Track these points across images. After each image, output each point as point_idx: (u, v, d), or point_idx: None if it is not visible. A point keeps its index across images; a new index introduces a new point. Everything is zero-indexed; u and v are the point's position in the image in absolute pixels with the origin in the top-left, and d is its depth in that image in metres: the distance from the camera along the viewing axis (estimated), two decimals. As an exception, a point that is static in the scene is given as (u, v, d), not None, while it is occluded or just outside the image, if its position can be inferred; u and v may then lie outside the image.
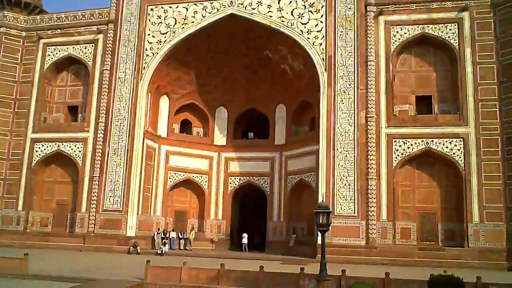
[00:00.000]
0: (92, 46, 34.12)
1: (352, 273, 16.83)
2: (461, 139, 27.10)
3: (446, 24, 28.45)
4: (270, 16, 30.76)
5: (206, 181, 36.04)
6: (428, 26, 28.66)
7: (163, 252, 29.64)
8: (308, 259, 26.27)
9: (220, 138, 37.26)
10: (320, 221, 14.59)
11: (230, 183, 36.24)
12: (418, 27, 28.82)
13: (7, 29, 35.51)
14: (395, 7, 29.20)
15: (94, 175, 31.68)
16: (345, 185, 27.55)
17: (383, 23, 29.25)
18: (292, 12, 30.47)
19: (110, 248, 30.14)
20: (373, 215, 26.95)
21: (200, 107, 37.19)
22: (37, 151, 33.93)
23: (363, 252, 26.55)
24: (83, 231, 31.33)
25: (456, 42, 28.12)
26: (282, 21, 30.53)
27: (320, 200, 25.12)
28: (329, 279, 14.67)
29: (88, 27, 34.48)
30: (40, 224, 33.72)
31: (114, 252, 29.80)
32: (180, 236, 33.81)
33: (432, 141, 27.48)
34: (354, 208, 27.17)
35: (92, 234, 30.97)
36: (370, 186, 27.24)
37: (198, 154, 36.03)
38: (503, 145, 26.51)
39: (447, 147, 27.24)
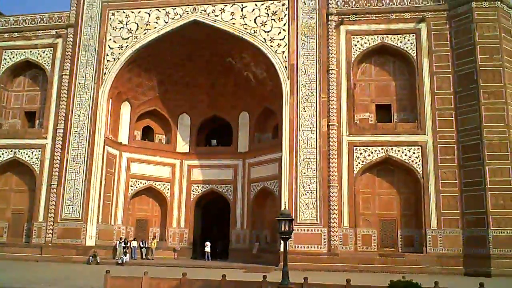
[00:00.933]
0: (50, 50, 33.26)
1: (314, 281, 16.90)
2: (419, 147, 27.82)
3: (405, 35, 29.24)
4: (233, 24, 30.83)
5: (168, 189, 35.60)
6: (387, 36, 29.38)
7: (124, 261, 29.04)
8: (271, 267, 26.29)
9: (183, 145, 36.93)
10: (283, 229, 14.64)
11: (193, 191, 35.92)
12: (378, 37, 29.49)
13: (-39, 31, 34.23)
14: (356, 17, 29.80)
15: (52, 183, 30.77)
16: (307, 192, 27.77)
17: (344, 33, 29.78)
18: (255, 20, 30.63)
19: (69, 259, 29.31)
20: (334, 222, 27.25)
21: (162, 114, 36.78)
22: (-9, 158, 32.72)
23: (325, 259, 26.79)
24: (41, 241, 30.33)
25: (414, 52, 28.91)
26: (245, 28, 30.65)
27: (282, 207, 25.24)
28: (291, 287, 14.70)
29: (46, 30, 33.59)
30: (-5, 234, 32.48)
31: (73, 262, 28.96)
32: (142, 245, 33.21)
33: (392, 148, 28.09)
34: (317, 215, 27.40)
35: (50, 244, 30.03)
36: (332, 193, 27.56)
37: (160, 162, 35.58)
38: (459, 153, 27.36)
39: (406, 155, 27.89)
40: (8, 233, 32.55)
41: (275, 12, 30.48)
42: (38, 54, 33.52)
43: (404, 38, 29.17)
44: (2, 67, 33.95)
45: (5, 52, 34.12)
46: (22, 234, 32.07)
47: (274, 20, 30.41)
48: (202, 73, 35.24)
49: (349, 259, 26.73)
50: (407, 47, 29.06)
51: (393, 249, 27.99)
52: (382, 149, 28.18)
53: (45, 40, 33.54)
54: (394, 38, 29.30)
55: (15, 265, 26.69)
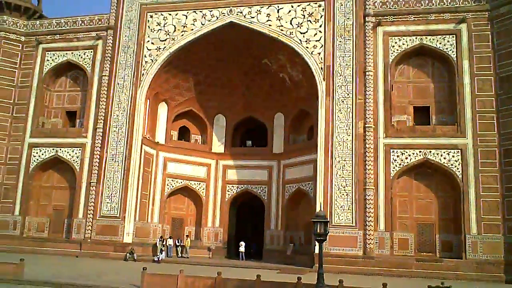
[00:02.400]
0: (91, 52, 34.15)
1: (349, 284, 16.78)
2: (459, 150, 27.16)
3: (444, 36, 28.60)
4: (269, 25, 30.89)
5: (203, 189, 36.00)
6: (426, 38, 28.80)
7: (160, 259, 29.53)
8: (305, 269, 26.20)
9: (218, 145, 37.27)
10: (318, 231, 14.58)
11: (228, 191, 36.19)
12: (416, 38, 28.95)
13: (6, 33, 35.51)
14: (393, 18, 29.37)
15: (91, 181, 31.60)
16: (342, 194, 27.55)
17: (381, 34, 29.38)
18: (291, 21, 30.61)
19: (106, 255, 30.03)
20: (370, 225, 26.93)
21: (198, 115, 37.23)
22: (34, 156, 33.85)
23: (361, 262, 26.51)
24: (80, 237, 31.20)
25: (454, 54, 28.24)
26: (281, 30, 30.66)
27: (317, 209, 25.13)
28: (326, 289, 14.63)
29: (87, 33, 34.52)
30: (37, 230, 33.56)
31: (111, 258, 29.67)
32: (177, 244, 33.71)
33: (430, 151, 27.53)
34: (352, 218, 27.14)
35: (89, 240, 30.84)
36: (368, 196, 27.24)
37: (196, 162, 36.02)
38: (500, 156, 26.55)
39: (445, 158, 27.29)
40: (49, 228, 33.64)
41: (311, 13, 30.38)
42: (79, 55, 34.47)
43: (444, 39, 28.55)
44: (45, 68, 35.07)
45: (48, 53, 35.25)
46: (62, 230, 33.07)
47: (310, 22, 30.31)
48: (238, 75, 35.48)
49: (385, 263, 26.36)
50: (446, 48, 28.43)
51: (430, 254, 27.40)
52: (420, 152, 27.65)
53: (86, 42, 34.46)
54: (433, 39, 28.70)
55: (56, 260, 27.55)
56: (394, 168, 27.78)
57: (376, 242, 26.90)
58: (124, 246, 30.31)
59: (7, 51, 35.38)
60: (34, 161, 33.79)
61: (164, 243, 32.31)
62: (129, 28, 33.30)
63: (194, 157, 36.06)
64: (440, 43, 28.57)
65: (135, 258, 29.34)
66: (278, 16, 30.85)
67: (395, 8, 29.41)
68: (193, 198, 36.32)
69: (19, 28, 35.98)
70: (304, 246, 31.45)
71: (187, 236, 34.69)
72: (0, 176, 33.95)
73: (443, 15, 28.69)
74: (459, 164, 27.02)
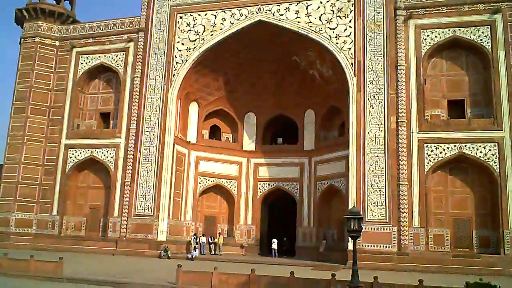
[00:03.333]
0: (123, 54, 34.80)
1: (384, 280, 16.60)
2: (496, 144, 26.46)
3: (478, 27, 27.90)
4: (298, 22, 30.78)
5: (235, 187, 36.21)
6: (459, 29, 28.17)
7: (193, 256, 29.87)
8: (338, 265, 26.03)
9: (249, 143, 37.41)
10: (352, 227, 14.44)
11: (260, 189, 36.30)
12: (449, 30, 28.35)
13: (42, 38, 36.59)
14: (425, 11, 28.82)
15: (125, 180, 32.23)
16: (375, 190, 27.25)
17: (413, 27, 28.88)
18: (320, 17, 30.42)
19: (141, 253, 30.59)
20: (405, 221, 26.56)
21: (229, 113, 37.46)
22: (70, 157, 34.75)
23: (395, 258, 26.17)
24: (116, 236, 31.87)
25: (489, 45, 27.53)
26: (310, 26, 30.51)
27: (350, 205, 24.94)
28: (361, 286, 14.50)
29: (119, 35, 35.19)
30: (74, 228, 34.46)
31: (146, 256, 30.21)
32: (210, 241, 34.03)
33: (465, 145, 26.93)
34: (386, 214, 26.83)
35: (124, 239, 31.48)
36: (402, 191, 26.87)
37: (227, 160, 36.26)
38: (539, 149, 25.78)
39: (481, 152, 26.65)
40: (86, 227, 34.50)
41: (341, 8, 30.12)
42: (112, 58, 35.17)
43: (478, 31, 27.84)
44: (79, 71, 35.96)
45: (81, 57, 36.11)
46: (98, 229, 33.88)
47: (340, 17, 30.05)
48: (268, 72, 35.51)
49: (420, 259, 25.94)
50: (481, 40, 27.72)
51: (467, 249, 26.83)
52: (455, 146, 27.09)
53: (118, 44, 35.14)
54: (466, 30, 28.04)
55: (93, 258, 28.22)
56: (428, 163, 27.29)
57: (411, 238, 26.51)
58: (158, 244, 30.79)
59: (43, 56, 36.43)
60: (70, 162, 34.69)
61: (198, 240, 32.65)
62: (160, 29, 33.75)
63: (225, 155, 36.30)
64: (474, 35, 27.89)
65: (169, 255, 29.76)
66: (307, 13, 30.71)
67: (426, 0, 28.84)
68: (225, 196, 36.59)
69: (54, 33, 37.00)
70: (337, 243, 31.27)
71: (219, 233, 34.97)
72: (38, 177, 35.02)
73: (477, 5, 27.99)
74: (496, 158, 26.34)
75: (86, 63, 35.94)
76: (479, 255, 25.81)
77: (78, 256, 28.73)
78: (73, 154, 34.76)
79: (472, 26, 27.97)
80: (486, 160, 26.48)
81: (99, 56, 35.63)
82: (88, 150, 34.35)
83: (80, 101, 36.18)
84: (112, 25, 35.73)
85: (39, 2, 37.52)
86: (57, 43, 36.83)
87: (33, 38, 36.62)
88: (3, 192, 34.83)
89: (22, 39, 37.16)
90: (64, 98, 35.77)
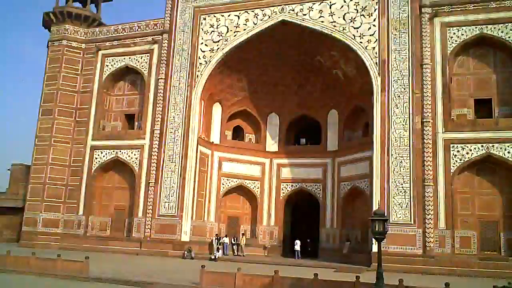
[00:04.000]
0: (147, 56, 35.15)
1: (409, 283, 16.35)
2: (525, 144, 25.81)
3: (507, 24, 27.22)
4: (322, 21, 30.59)
5: (258, 187, 36.20)
6: (487, 27, 27.55)
7: (217, 257, 29.96)
8: (362, 267, 25.77)
9: (272, 144, 37.35)
10: (376, 229, 14.26)
11: (282, 189, 36.21)
12: (476, 27, 27.77)
13: (68, 41, 37.29)
14: (451, 8, 28.29)
15: (150, 181, 32.55)
16: (400, 192, 26.86)
17: (438, 25, 28.38)
18: (344, 16, 30.18)
19: (165, 253, 30.83)
20: (430, 223, 26.12)
21: (252, 114, 37.47)
22: (96, 158, 35.28)
23: (420, 261, 25.74)
24: (140, 236, 32.21)
25: (517, 42, 26.88)
26: (334, 26, 30.29)
27: (374, 207, 24.67)
28: (385, 288, 14.31)
29: (143, 37, 35.56)
30: (99, 228, 34.96)
31: (169, 256, 30.44)
32: (233, 242, 34.09)
33: (493, 146, 26.32)
34: (410, 216, 26.42)
35: (149, 239, 31.78)
36: (427, 193, 26.43)
37: (250, 161, 36.27)
38: None
39: (509, 152, 26.01)
40: (111, 227, 34.98)
41: (365, 7, 29.81)
42: (136, 60, 35.57)
43: (506, 28, 27.16)
44: (105, 74, 36.50)
45: (107, 59, 36.64)
46: (123, 229, 34.29)
47: (364, 16, 29.75)
48: (291, 73, 35.41)
49: (446, 262, 25.48)
50: (509, 37, 27.06)
51: (495, 252, 26.22)
52: (482, 146, 26.50)
53: (142, 46, 35.52)
54: (494, 28, 27.41)
55: (118, 258, 28.60)
56: (454, 163, 26.78)
57: (436, 241, 26.04)
58: (181, 244, 30.98)
59: (70, 58, 37.14)
60: (96, 162, 35.23)
61: (221, 241, 32.74)
62: (183, 31, 33.99)
63: (249, 156, 36.32)
64: (502, 32, 27.25)
65: (193, 256, 29.92)
66: (331, 12, 30.49)
67: (452, -3, 28.34)
68: (248, 197, 36.60)
69: (80, 36, 37.65)
70: (361, 244, 30.94)
71: (243, 234, 34.99)
72: (65, 177, 35.67)
73: (505, 2, 27.36)
74: (525, 159, 25.66)
75: (112, 65, 36.43)
76: (507, 258, 25.21)
77: (103, 256, 29.13)
78: (98, 155, 35.27)
79: (500, 23, 27.32)
80: (515, 161, 25.83)
81: (124, 58, 36.06)
82: (113, 151, 34.80)
83: (105, 102, 36.70)
84: (137, 27, 36.13)
85: (66, 6, 38.24)
86: (83, 45, 37.46)
87: (60, 41, 37.34)
88: (31, 193, 35.60)
89: (50, 42, 37.93)
90: (90, 100, 36.34)
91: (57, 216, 35.19)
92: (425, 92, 27.53)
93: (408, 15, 28.71)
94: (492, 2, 27.55)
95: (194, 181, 32.62)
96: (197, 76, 33.03)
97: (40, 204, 35.03)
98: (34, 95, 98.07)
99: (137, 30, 36.04)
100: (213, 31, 33.23)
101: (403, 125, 27.60)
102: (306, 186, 35.59)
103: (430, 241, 25.91)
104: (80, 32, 37.72)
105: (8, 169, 40.92)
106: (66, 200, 35.46)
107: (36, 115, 37.13)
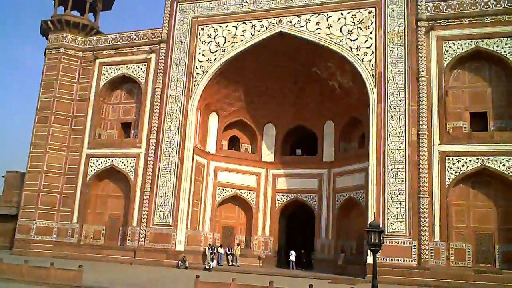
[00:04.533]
0: (145, 65, 35.19)
1: (405, 295, 16.34)
2: (520, 157, 25.94)
3: (502, 38, 27.47)
4: (319, 33, 30.79)
5: (254, 197, 36.14)
6: (482, 41, 27.81)
7: (211, 267, 29.82)
8: (357, 279, 25.71)
9: (268, 154, 37.37)
10: (372, 241, 14.29)
11: (278, 200, 36.16)
12: (471, 41, 28.02)
13: (66, 49, 37.30)
14: (447, 22, 28.57)
15: (145, 190, 32.42)
16: (395, 203, 26.89)
17: (434, 38, 28.63)
18: (341, 28, 30.39)
19: (159, 262, 30.63)
20: (425, 235, 26.11)
21: (248, 124, 37.53)
22: (91, 166, 35.14)
23: (415, 273, 25.70)
24: (134, 245, 32.00)
25: (512, 57, 27.11)
26: (331, 38, 30.49)
27: (370, 218, 24.69)
28: (380, 300, 14.30)
29: (141, 47, 35.62)
30: (93, 237, 34.71)
31: (164, 266, 30.27)
32: (228, 252, 33.95)
33: (488, 159, 26.44)
34: (406, 228, 26.42)
35: (143, 248, 31.59)
36: (422, 205, 26.46)
37: (246, 171, 36.26)
38: None
39: (504, 165, 26.12)
40: (105, 236, 34.71)
41: (362, 20, 30.05)
42: (134, 68, 35.61)
43: (501, 42, 27.44)
44: (101, 82, 36.49)
45: (104, 67, 36.65)
46: (117, 238, 34.05)
47: (361, 28, 29.97)
48: (287, 84, 35.55)
49: (441, 274, 25.44)
50: (504, 51, 27.30)
51: (489, 265, 26.21)
52: (477, 159, 26.62)
53: (140, 55, 35.57)
54: (489, 42, 27.68)
55: (111, 267, 28.40)
56: (449, 176, 26.87)
57: (431, 253, 26.03)
58: (176, 254, 30.83)
59: (67, 66, 37.13)
60: (91, 171, 35.08)
61: (215, 251, 32.59)
62: (181, 41, 34.11)
63: (244, 166, 36.32)
64: (497, 46, 27.51)
65: (187, 266, 29.77)
66: (328, 24, 30.72)
67: (448, 11, 28.61)
68: (243, 207, 36.53)
69: (77, 44, 37.70)
70: (356, 256, 30.88)
71: (238, 244, 34.87)
72: (60, 185, 35.49)
73: (500, 16, 27.64)
74: (520, 172, 25.77)
75: (109, 73, 36.45)
76: (501, 271, 25.20)
77: (97, 264, 28.93)
78: (94, 163, 35.15)
79: (495, 37, 27.58)
80: (510, 174, 25.94)
81: (121, 67, 36.09)
82: (109, 160, 34.71)
83: (102, 111, 36.64)
84: (135, 36, 36.21)
85: (64, 14, 38.33)
86: (80, 54, 37.50)
87: (58, 49, 37.36)
88: (25, 200, 35.37)
89: (47, 50, 37.95)
90: (87, 108, 36.29)
91: (51, 224, 34.94)
92: (421, 105, 27.70)
93: (404, 28, 28.97)
94: (487, 17, 27.84)
95: (190, 191, 32.54)
96: (194, 85, 33.10)
97: (34, 212, 34.80)
98: (31, 102, 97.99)
99: (134, 39, 36.11)
100: (211, 41, 33.37)
101: (399, 137, 27.71)
102: (301, 196, 35.55)
103: (425, 253, 25.88)
104: (78, 40, 37.77)
105: (3, 176, 40.75)
106: (60, 208, 35.23)
107: (32, 122, 37.06)
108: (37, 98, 37.25)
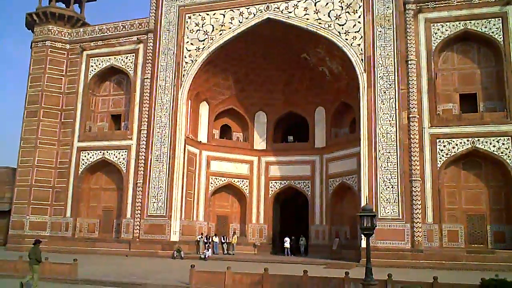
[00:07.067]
0: (133, 56, 34.89)
1: (399, 278, 16.46)
2: (509, 138, 26.10)
3: (490, 19, 27.50)
4: (307, 19, 30.64)
5: (247, 186, 36.21)
6: (470, 22, 27.82)
7: (206, 256, 29.90)
8: (352, 263, 25.89)
9: (260, 142, 37.37)
10: (365, 225, 14.32)
11: (271, 187, 36.27)
12: (460, 23, 28.01)
13: (52, 42, 36.88)
14: (435, 4, 28.51)
15: (138, 181, 32.35)
16: (388, 187, 27.04)
17: (423, 21, 28.59)
18: (329, 13, 30.25)
19: (154, 253, 30.70)
20: (418, 217, 26.33)
21: (239, 112, 37.46)
22: (83, 160, 34.98)
23: (409, 255, 25.96)
24: (129, 237, 32.03)
25: (500, 37, 27.13)
26: (319, 23, 30.36)
27: (363, 203, 24.83)
28: (375, 283, 14.36)
29: (128, 37, 35.28)
30: (87, 230, 34.70)
31: (159, 257, 30.32)
32: (223, 241, 34.05)
33: (478, 140, 26.61)
34: (398, 211, 26.62)
35: (137, 240, 31.62)
36: (414, 188, 26.64)
37: (238, 159, 36.27)
38: (554, 142, 25.38)
39: (494, 146, 26.32)
40: (99, 229, 34.73)
41: (350, 4, 29.92)
42: (122, 60, 35.30)
43: (489, 23, 27.47)
44: (90, 74, 36.16)
45: (92, 59, 36.30)
46: (112, 230, 34.10)
47: (349, 13, 29.85)
48: (277, 70, 35.45)
49: (434, 256, 25.72)
50: (492, 32, 27.34)
51: (482, 245, 26.53)
52: (467, 140, 26.78)
53: (128, 46, 35.25)
54: (477, 23, 27.68)
55: (107, 259, 28.38)
56: (440, 158, 27.03)
57: (424, 235, 26.27)
58: (171, 244, 30.88)
59: (54, 59, 36.75)
60: (83, 164, 34.92)
61: (210, 240, 32.68)
62: (169, 30, 33.81)
63: (236, 154, 36.31)
64: (485, 27, 27.54)
65: (182, 256, 29.82)
66: (316, 9, 30.55)
67: (436, -7, 28.55)
68: (237, 195, 36.61)
69: (64, 37, 37.27)
70: (350, 241, 31.13)
71: (234, 233, 34.98)
72: (52, 180, 35.31)
73: (488, -3, 27.62)
74: (509, 152, 25.98)
75: (97, 65, 36.11)
76: (494, 251, 25.50)
77: (92, 257, 28.91)
78: (85, 156, 34.98)
79: (483, 19, 27.60)
80: (500, 154, 26.14)
81: (109, 58, 35.75)
82: (100, 152, 34.54)
83: (91, 103, 36.36)
84: (121, 27, 35.83)
85: (49, 6, 37.82)
86: (67, 46, 37.09)
87: (44, 42, 36.93)
88: (17, 196, 35.22)
89: (33, 43, 37.50)
90: (76, 101, 35.99)
91: (44, 219, 34.85)
92: (411, 88, 27.73)
93: (392, 11, 28.88)
94: (475, -2, 27.82)
95: (182, 181, 32.51)
96: (183, 75, 32.88)
97: (26, 207, 34.66)
98: (18, 97, 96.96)
99: (121, 29, 35.74)
100: (199, 29, 33.11)
101: (389, 121, 27.78)
102: (294, 183, 35.67)
103: (418, 236, 26.12)
104: (64, 32, 37.33)
105: (-6, 172, 40.44)
106: (53, 202, 35.14)
107: (20, 117, 36.74)
108: (25, 92, 36.89)
